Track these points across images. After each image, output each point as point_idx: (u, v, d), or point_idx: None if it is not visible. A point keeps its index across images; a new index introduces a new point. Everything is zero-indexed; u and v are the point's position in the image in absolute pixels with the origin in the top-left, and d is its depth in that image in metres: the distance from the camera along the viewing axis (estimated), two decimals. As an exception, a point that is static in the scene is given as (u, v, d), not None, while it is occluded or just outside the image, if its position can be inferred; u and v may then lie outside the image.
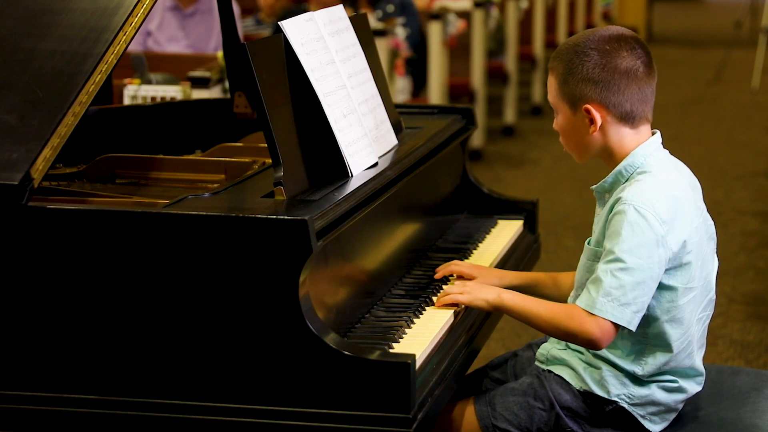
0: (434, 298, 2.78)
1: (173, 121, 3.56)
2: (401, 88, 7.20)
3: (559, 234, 6.66)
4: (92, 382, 2.42)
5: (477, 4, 8.45)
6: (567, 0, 11.50)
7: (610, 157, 2.68)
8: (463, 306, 2.73)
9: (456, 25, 7.89)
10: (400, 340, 2.53)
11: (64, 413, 2.43)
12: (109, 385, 2.42)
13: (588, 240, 2.72)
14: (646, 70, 2.64)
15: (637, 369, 2.65)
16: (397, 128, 3.15)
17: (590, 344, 2.58)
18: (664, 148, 2.72)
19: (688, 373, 2.70)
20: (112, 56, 2.61)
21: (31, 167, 2.44)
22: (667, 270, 2.58)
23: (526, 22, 10.04)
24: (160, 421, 2.40)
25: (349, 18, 3.05)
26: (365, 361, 2.31)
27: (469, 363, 2.75)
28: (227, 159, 3.08)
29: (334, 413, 2.33)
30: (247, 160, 3.03)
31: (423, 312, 2.70)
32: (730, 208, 7.22)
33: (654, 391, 2.67)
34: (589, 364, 2.69)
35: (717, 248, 2.77)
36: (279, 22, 2.74)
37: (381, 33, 6.51)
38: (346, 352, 2.32)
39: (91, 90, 2.56)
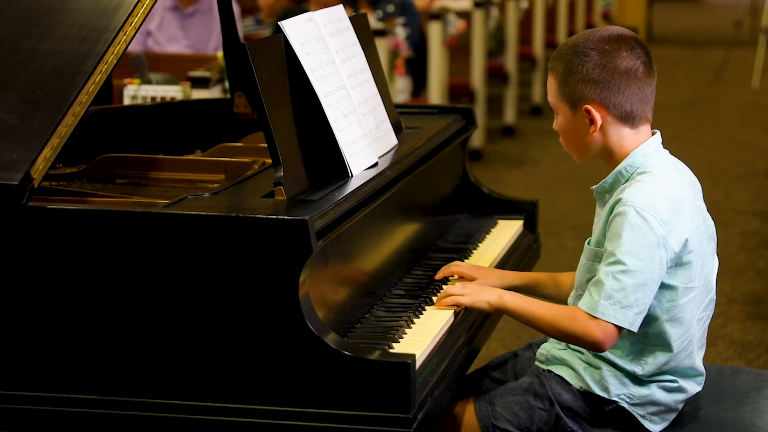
0: (434, 298, 2.78)
1: (173, 121, 3.55)
2: (401, 88, 7.20)
3: (559, 234, 6.66)
4: (92, 382, 2.42)
5: (477, 4, 8.45)
6: (567, 0, 11.50)
7: (610, 158, 2.68)
8: (463, 306, 2.73)
9: (456, 25, 7.89)
10: (400, 340, 2.53)
11: (64, 413, 2.43)
12: (109, 385, 2.42)
13: (588, 240, 2.72)
14: (645, 70, 2.64)
15: (637, 369, 2.65)
16: (397, 128, 3.15)
17: (593, 347, 2.59)
18: (664, 148, 2.72)
19: (688, 373, 2.70)
20: (112, 56, 2.61)
21: (31, 167, 2.44)
22: (667, 269, 2.58)
23: (526, 22, 10.04)
24: (160, 421, 2.40)
25: (349, 18, 3.05)
26: (365, 361, 2.31)
27: (469, 363, 2.75)
28: (227, 159, 3.08)
29: (334, 413, 2.33)
30: (247, 160, 3.03)
31: (423, 312, 2.70)
32: (730, 208, 7.22)
33: (654, 391, 2.67)
34: (589, 364, 2.69)
35: (717, 248, 2.77)
36: (279, 22, 2.74)
37: (381, 33, 6.51)
38: (346, 352, 2.32)
39: (91, 90, 2.56)
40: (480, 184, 3.60)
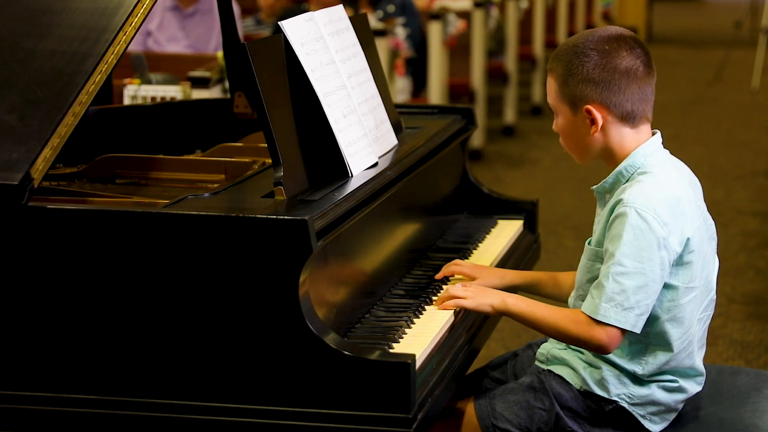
0: (434, 298, 2.78)
1: (173, 121, 3.55)
2: (401, 88, 7.20)
3: (559, 234, 6.66)
4: (92, 382, 2.42)
5: (477, 4, 8.45)
6: (567, 0, 11.50)
7: (610, 158, 2.68)
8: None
9: (456, 25, 7.89)
10: (400, 340, 2.53)
11: (64, 413, 2.43)
12: (109, 385, 2.42)
13: (588, 240, 2.72)
14: (645, 70, 2.64)
15: (638, 368, 2.65)
16: (397, 128, 3.15)
17: (598, 350, 2.59)
18: (664, 148, 2.72)
19: (689, 373, 2.70)
20: (112, 56, 2.61)
21: (31, 167, 2.44)
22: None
23: (526, 22, 10.04)
24: (160, 421, 2.40)
25: (349, 18, 3.05)
26: (365, 361, 2.31)
27: (469, 363, 2.75)
28: (227, 159, 3.08)
29: (334, 413, 2.33)
30: (247, 160, 3.03)
31: (423, 312, 2.70)
32: (730, 208, 7.22)
33: (654, 391, 2.67)
34: (589, 364, 2.69)
35: (717, 248, 2.77)
36: (279, 22, 2.74)
37: (381, 33, 6.51)
38: (346, 352, 2.32)
39: (91, 90, 2.56)
40: (480, 184, 3.60)
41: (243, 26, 7.66)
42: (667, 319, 2.62)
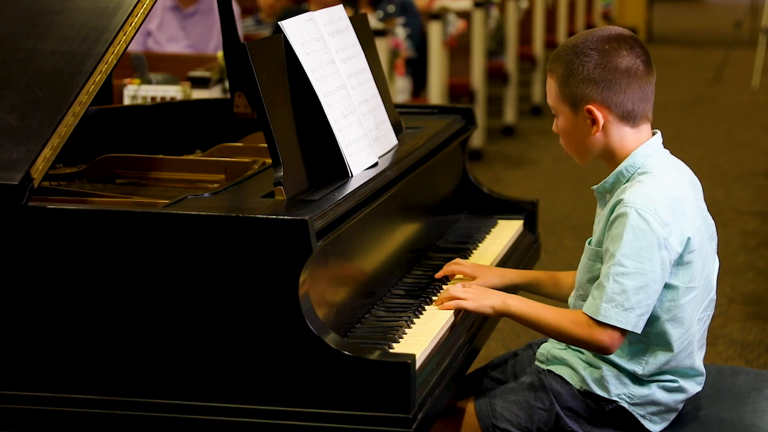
0: (434, 298, 2.78)
1: (173, 121, 3.55)
2: (401, 88, 7.21)
3: (559, 234, 6.66)
4: (92, 382, 2.42)
5: (477, 4, 8.45)
6: (567, 0, 11.50)
7: (611, 158, 2.68)
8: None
9: (456, 25, 7.89)
10: (400, 340, 2.53)
11: (64, 413, 2.43)
12: (109, 385, 2.42)
13: (589, 240, 2.72)
14: (645, 69, 2.64)
15: (638, 368, 2.65)
16: (397, 128, 3.15)
17: (600, 351, 2.59)
18: (664, 147, 2.72)
19: (689, 373, 2.70)
20: (112, 56, 2.61)
21: (31, 167, 2.44)
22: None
23: (526, 22, 10.04)
24: (160, 421, 2.40)
25: (349, 18, 3.05)
26: (365, 361, 2.31)
27: (469, 363, 2.75)
28: (227, 159, 3.08)
29: (334, 413, 2.33)
30: (247, 160, 3.03)
31: (423, 312, 2.70)
32: (730, 208, 7.22)
33: (654, 391, 2.67)
34: (589, 364, 2.69)
35: (717, 248, 2.77)
36: (279, 22, 2.74)
37: (381, 33, 6.52)
38: (346, 352, 2.32)
39: (91, 90, 2.56)
40: (480, 184, 3.60)
41: (243, 26, 7.66)
42: (667, 319, 2.62)
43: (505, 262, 3.23)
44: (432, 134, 3.24)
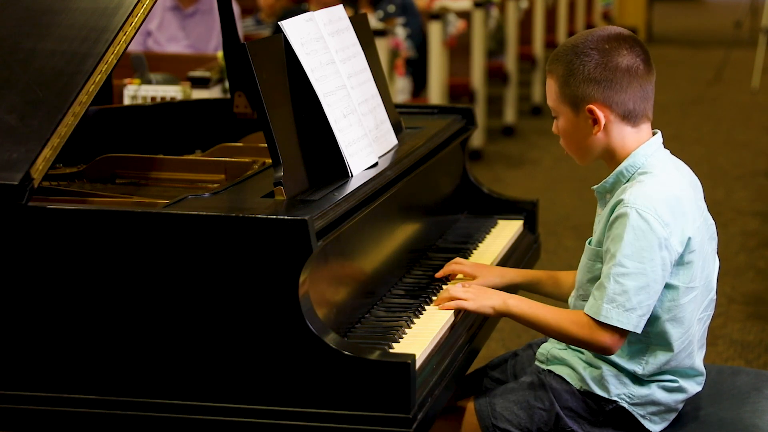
0: (434, 298, 2.78)
1: (173, 121, 3.55)
2: (401, 88, 7.21)
3: (559, 234, 6.66)
4: (92, 382, 2.42)
5: (477, 4, 8.45)
6: (567, 0, 11.50)
7: (611, 158, 2.68)
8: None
9: (456, 25, 7.89)
10: (400, 340, 2.53)
11: (64, 413, 2.43)
12: (109, 385, 2.42)
13: (589, 240, 2.72)
14: (646, 68, 2.64)
15: (638, 368, 2.65)
16: (397, 128, 3.15)
17: (601, 351, 2.59)
18: (664, 147, 2.71)
19: (689, 373, 2.70)
20: (112, 56, 2.61)
21: (31, 167, 2.44)
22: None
23: (526, 22, 10.04)
24: (160, 421, 2.40)
25: (349, 18, 3.05)
26: (365, 361, 2.31)
27: (469, 363, 2.75)
28: (227, 159, 3.08)
29: (334, 413, 2.33)
30: (247, 160, 3.03)
31: (423, 312, 2.70)
32: (730, 208, 7.22)
33: (654, 391, 2.67)
34: (589, 364, 2.69)
35: (717, 248, 2.77)
36: (279, 22, 2.74)
37: (381, 33, 6.52)
38: (346, 352, 2.32)
39: (91, 90, 2.56)
40: (480, 184, 3.60)
41: (243, 26, 7.66)
42: (667, 319, 2.62)
43: (505, 262, 3.23)
44: (432, 134, 3.24)
